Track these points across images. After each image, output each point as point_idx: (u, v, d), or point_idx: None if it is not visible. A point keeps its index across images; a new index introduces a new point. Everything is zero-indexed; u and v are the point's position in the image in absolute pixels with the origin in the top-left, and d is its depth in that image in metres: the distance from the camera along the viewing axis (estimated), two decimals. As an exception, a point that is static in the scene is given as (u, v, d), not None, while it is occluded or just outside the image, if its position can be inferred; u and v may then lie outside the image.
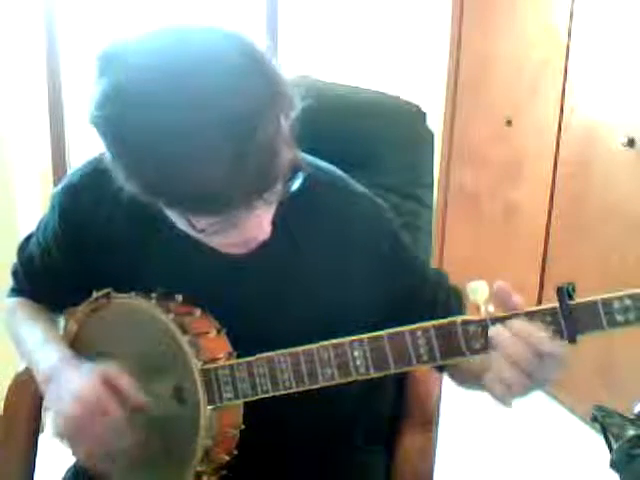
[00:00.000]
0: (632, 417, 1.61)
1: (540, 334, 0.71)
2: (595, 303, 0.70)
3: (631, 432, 1.55)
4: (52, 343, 0.96)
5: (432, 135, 1.29)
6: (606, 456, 1.58)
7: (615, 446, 1.56)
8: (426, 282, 0.97)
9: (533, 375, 0.72)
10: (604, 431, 1.64)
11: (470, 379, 0.86)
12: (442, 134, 3.04)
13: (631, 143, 2.14)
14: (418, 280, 0.96)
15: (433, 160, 1.29)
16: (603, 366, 2.26)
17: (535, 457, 2.26)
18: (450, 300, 0.96)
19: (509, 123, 2.72)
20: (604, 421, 1.64)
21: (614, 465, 1.52)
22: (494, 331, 0.73)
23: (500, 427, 2.42)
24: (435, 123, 2.88)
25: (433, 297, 0.95)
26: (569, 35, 2.39)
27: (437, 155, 2.53)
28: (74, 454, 0.93)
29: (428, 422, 1.11)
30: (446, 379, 1.00)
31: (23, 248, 1.04)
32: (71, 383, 0.88)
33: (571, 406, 2.47)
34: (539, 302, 2.60)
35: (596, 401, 1.75)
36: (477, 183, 2.97)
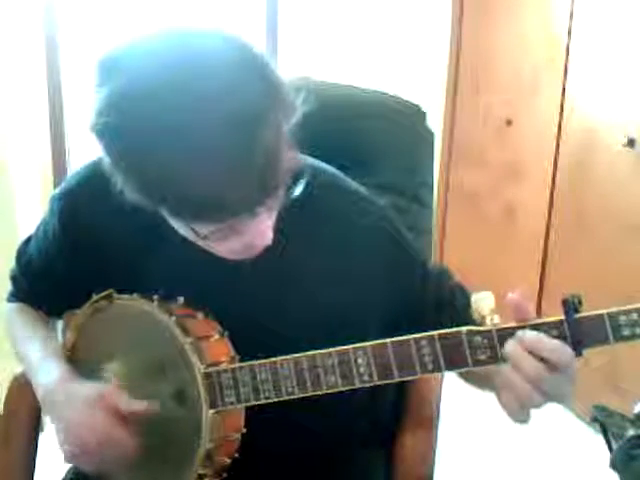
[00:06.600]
0: (632, 417, 1.61)
1: (554, 345, 0.70)
2: (601, 317, 0.70)
3: (631, 432, 1.55)
4: (51, 360, 0.95)
5: (432, 135, 1.29)
6: (606, 456, 1.58)
7: (615, 446, 1.56)
8: (428, 282, 0.96)
9: (548, 391, 0.71)
10: (604, 431, 1.64)
11: (475, 377, 0.86)
12: (442, 134, 3.04)
13: (631, 143, 2.14)
14: (419, 280, 0.96)
15: (433, 160, 1.29)
16: (604, 366, 2.26)
17: (535, 457, 2.26)
18: (455, 300, 0.95)
19: (509, 123, 2.72)
20: (604, 421, 1.64)
21: (614, 465, 1.53)
22: (507, 349, 0.72)
23: (500, 427, 2.42)
24: (435, 123, 2.87)
25: (437, 297, 0.95)
26: (569, 35, 2.39)
27: (437, 155, 2.53)
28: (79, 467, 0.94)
29: (428, 423, 1.11)
30: (447, 380, 1.00)
31: (22, 252, 1.04)
32: (74, 408, 0.87)
33: (571, 406, 2.47)
34: (539, 302, 2.60)
35: (596, 401, 1.75)
36: (477, 183, 2.97)
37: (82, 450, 0.87)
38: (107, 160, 0.74)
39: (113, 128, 0.70)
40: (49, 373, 0.92)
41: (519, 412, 0.73)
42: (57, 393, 0.90)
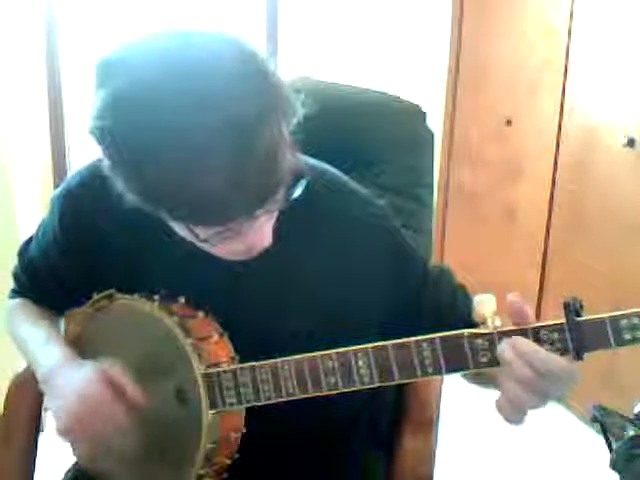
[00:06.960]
0: (632, 417, 1.61)
1: (546, 357, 0.70)
2: (603, 321, 0.70)
3: (631, 432, 1.55)
4: (54, 343, 0.96)
5: (432, 135, 1.29)
6: (606, 456, 1.58)
7: (615, 446, 1.56)
8: (429, 283, 0.96)
9: (544, 394, 0.71)
10: (604, 431, 1.64)
11: (478, 376, 0.86)
12: (442, 134, 3.04)
13: (631, 143, 2.14)
14: (419, 281, 0.96)
15: (433, 160, 1.29)
16: (603, 366, 2.26)
17: (535, 457, 2.26)
18: (456, 301, 0.95)
19: (509, 123, 2.73)
20: (604, 421, 1.64)
21: (614, 465, 1.53)
22: (500, 350, 0.72)
23: (500, 428, 2.42)
24: (435, 123, 2.87)
25: (437, 298, 0.95)
26: (569, 35, 2.39)
27: (437, 155, 2.53)
28: (75, 452, 0.94)
29: (428, 424, 1.11)
30: (447, 380, 0.99)
31: (24, 251, 1.04)
32: (73, 381, 0.88)
33: (571, 406, 2.47)
34: (539, 303, 2.61)
35: (596, 401, 1.75)
36: (477, 183, 2.97)
37: (75, 419, 0.87)
38: (106, 163, 0.74)
39: (111, 131, 0.69)
40: (51, 356, 0.93)
41: (511, 413, 0.73)
42: (58, 370, 0.91)
